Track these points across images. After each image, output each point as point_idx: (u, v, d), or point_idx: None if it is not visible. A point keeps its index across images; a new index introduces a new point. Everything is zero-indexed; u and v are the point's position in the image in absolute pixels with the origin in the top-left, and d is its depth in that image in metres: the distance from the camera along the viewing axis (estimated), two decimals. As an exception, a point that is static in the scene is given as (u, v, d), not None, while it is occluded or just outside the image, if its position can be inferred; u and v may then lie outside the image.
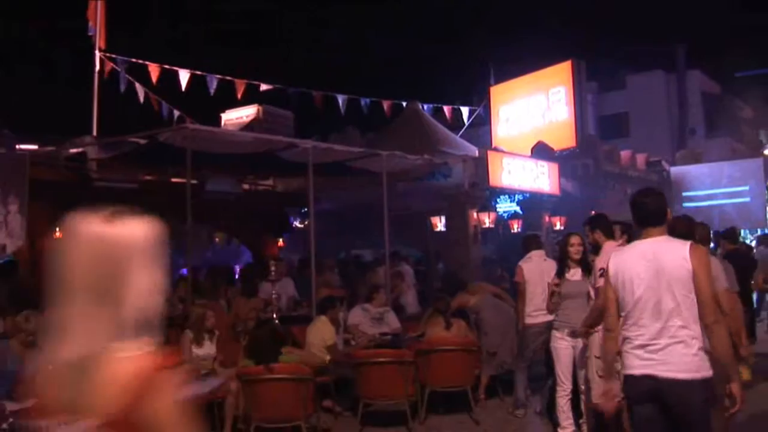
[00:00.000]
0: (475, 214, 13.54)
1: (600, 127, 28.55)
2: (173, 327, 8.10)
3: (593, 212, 6.97)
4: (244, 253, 16.33)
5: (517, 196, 14.62)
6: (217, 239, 16.63)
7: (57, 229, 10.60)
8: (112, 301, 1.55)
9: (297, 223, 15.86)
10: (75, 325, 1.54)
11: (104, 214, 1.64)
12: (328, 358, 7.84)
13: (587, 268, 6.11)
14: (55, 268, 1.57)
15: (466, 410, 7.55)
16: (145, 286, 1.61)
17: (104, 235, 1.59)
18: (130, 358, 1.54)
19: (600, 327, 5.59)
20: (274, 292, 8.89)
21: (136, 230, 1.64)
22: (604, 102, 30.33)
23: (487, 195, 13.78)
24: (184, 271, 17.48)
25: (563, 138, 17.81)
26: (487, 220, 13.41)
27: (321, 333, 7.94)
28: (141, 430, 1.50)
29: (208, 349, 7.22)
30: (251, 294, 9.80)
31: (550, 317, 6.48)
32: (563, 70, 18.60)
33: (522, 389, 7.55)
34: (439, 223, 14.26)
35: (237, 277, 12.76)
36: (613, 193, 16.77)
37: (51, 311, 1.56)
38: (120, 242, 1.59)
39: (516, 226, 14.29)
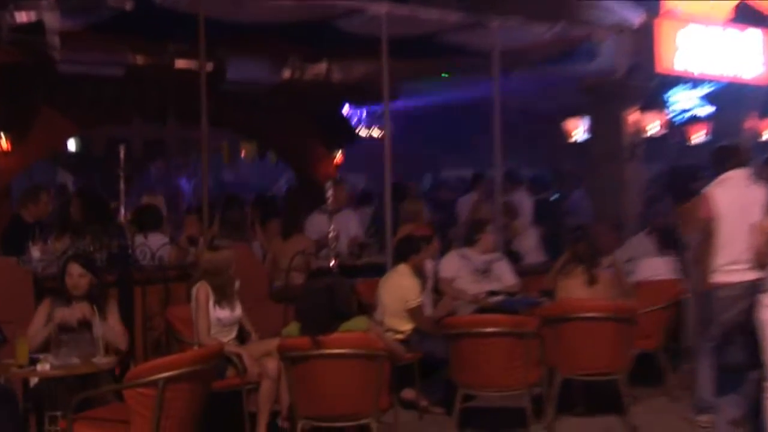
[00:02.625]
0: (634, 116, 13.22)
1: None
2: (182, 279, 8.24)
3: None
4: (285, 172, 16.43)
5: (702, 87, 14.15)
6: (243, 152, 16.77)
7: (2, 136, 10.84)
8: None
9: (363, 129, 15.81)
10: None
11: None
12: (409, 326, 7.86)
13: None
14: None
15: (617, 410, 7.49)
16: None
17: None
18: None
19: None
20: (331, 228, 8.89)
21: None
22: None
23: (653, 86, 13.38)
24: (185, 193, 17.94)
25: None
26: (652, 125, 13.05)
27: (400, 290, 7.93)
28: None
29: (234, 309, 7.28)
30: (295, 232, 9.84)
31: (756, 275, 6.41)
32: None
33: (707, 384, 7.41)
34: (578, 130, 13.99)
35: (273, 208, 12.86)
36: None
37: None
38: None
39: (700, 134, 13.91)
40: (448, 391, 7.51)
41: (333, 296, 6.31)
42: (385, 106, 9.84)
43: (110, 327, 6.56)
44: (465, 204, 12.28)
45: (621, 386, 7.41)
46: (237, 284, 7.41)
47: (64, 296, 6.58)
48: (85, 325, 6.41)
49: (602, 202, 12.81)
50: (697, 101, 14.44)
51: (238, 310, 7.32)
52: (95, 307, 6.51)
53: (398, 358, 6.79)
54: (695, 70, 13.27)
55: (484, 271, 8.96)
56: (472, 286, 8.80)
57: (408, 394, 7.80)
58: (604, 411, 7.66)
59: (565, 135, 14.23)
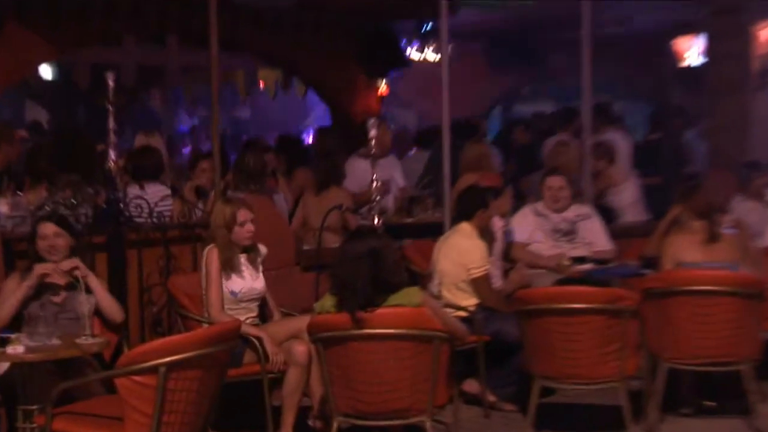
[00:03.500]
0: (767, 32, 13.02)
1: None
2: (187, 241, 8.31)
3: None
4: (315, 107, 16.40)
5: None
6: (263, 82, 16.76)
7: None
8: None
9: (414, 52, 15.73)
10: None
11: None
12: (473, 301, 7.89)
13: None
14: None
15: (740, 410, 7.47)
16: None
17: None
18: None
19: None
20: (374, 178, 8.88)
21: None
22: None
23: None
24: (190, 133, 17.92)
25: None
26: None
27: (462, 255, 7.96)
28: None
29: (251, 280, 7.31)
30: (332, 183, 9.84)
31: None
32: None
33: None
34: (692, 52, 13.81)
35: (301, 152, 12.86)
36: None
37: None
38: None
39: None
40: (522, 383, 7.52)
41: (378, 262, 6.28)
42: (441, 23, 9.84)
43: (101, 295, 6.64)
44: (552, 148, 12.19)
45: (746, 379, 7.32)
46: (263, 250, 7.48)
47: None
48: (75, 286, 6.48)
49: (723, 144, 12.69)
50: None
51: (260, 283, 7.37)
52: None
53: (459, 340, 6.72)
54: None
55: (567, 233, 8.92)
56: (551, 252, 8.78)
57: (471, 386, 7.83)
58: (723, 411, 7.62)
59: (674, 58, 14.03)
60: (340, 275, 6.35)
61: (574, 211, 9.06)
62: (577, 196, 9.43)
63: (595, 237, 9.00)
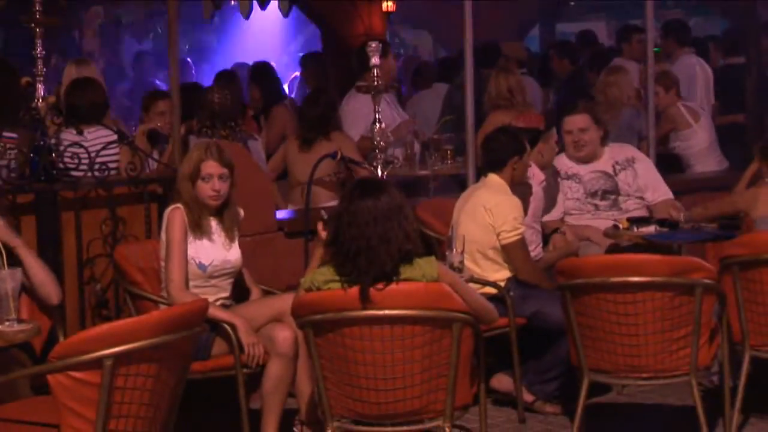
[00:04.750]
0: None
1: None
2: (137, 200, 8.35)
3: None
4: (303, 29, 16.42)
5: None
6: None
7: None
8: None
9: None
10: None
11: None
12: (504, 274, 7.93)
13: None
14: None
15: None
16: None
17: None
18: None
19: None
20: (378, 115, 8.87)
21: None
22: None
23: None
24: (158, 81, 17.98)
25: None
26: None
27: (490, 214, 7.96)
28: None
29: (224, 250, 7.34)
30: (327, 129, 9.84)
31: None
32: None
33: None
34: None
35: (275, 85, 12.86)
36: None
37: None
38: None
39: None
40: (567, 378, 7.58)
41: (405, 222, 6.16)
42: None
43: (34, 268, 6.64)
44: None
45: None
46: (241, 213, 7.50)
47: None
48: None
49: None
50: None
51: (236, 254, 7.38)
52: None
53: (487, 323, 6.73)
54: None
55: (607, 192, 8.93)
56: (591, 218, 8.89)
57: (502, 382, 7.87)
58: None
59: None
60: (343, 240, 6.14)
61: (610, 156, 9.03)
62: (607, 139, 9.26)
63: (647, 187, 8.99)
